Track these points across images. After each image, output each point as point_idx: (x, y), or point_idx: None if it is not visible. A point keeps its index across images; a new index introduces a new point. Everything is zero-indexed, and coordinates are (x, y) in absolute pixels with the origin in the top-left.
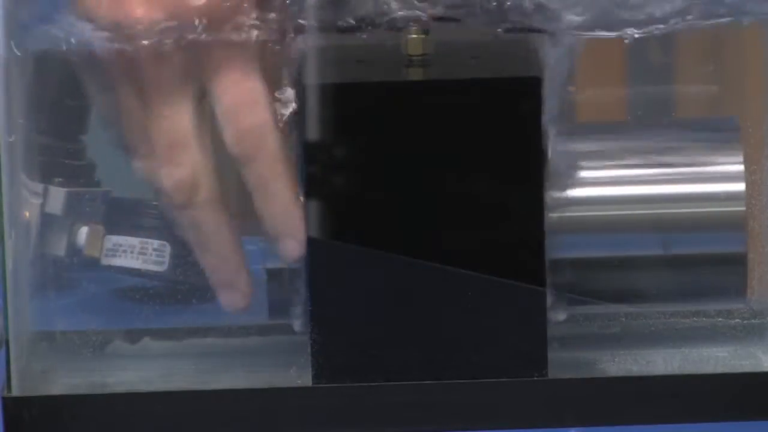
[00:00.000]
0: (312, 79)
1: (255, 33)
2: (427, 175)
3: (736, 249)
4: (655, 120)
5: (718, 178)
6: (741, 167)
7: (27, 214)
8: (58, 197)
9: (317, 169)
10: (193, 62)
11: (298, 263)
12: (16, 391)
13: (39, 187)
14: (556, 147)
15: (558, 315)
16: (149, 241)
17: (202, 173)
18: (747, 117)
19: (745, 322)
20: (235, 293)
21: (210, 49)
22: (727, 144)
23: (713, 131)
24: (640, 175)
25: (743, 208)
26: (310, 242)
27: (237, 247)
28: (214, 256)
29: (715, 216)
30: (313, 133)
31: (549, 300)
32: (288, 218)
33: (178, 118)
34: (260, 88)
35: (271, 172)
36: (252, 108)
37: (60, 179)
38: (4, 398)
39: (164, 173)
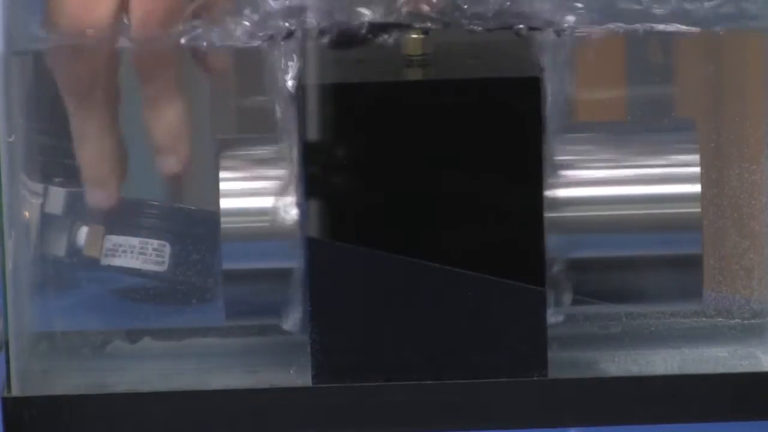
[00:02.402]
0: (312, 79)
1: None
2: (426, 175)
3: (692, 250)
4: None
5: (673, 179)
6: (697, 169)
7: (27, 214)
8: (58, 197)
9: (317, 169)
10: None
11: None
12: (16, 391)
13: (39, 187)
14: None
15: (555, 316)
16: (149, 241)
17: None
18: (747, 117)
19: (745, 322)
20: (98, 189)
21: None
22: (683, 145)
23: (670, 132)
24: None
25: (699, 210)
26: (310, 242)
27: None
28: (90, 149)
29: (671, 217)
30: (313, 133)
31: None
32: (174, 134)
33: None
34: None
35: (168, 89)
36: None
37: (60, 179)
38: (4, 398)
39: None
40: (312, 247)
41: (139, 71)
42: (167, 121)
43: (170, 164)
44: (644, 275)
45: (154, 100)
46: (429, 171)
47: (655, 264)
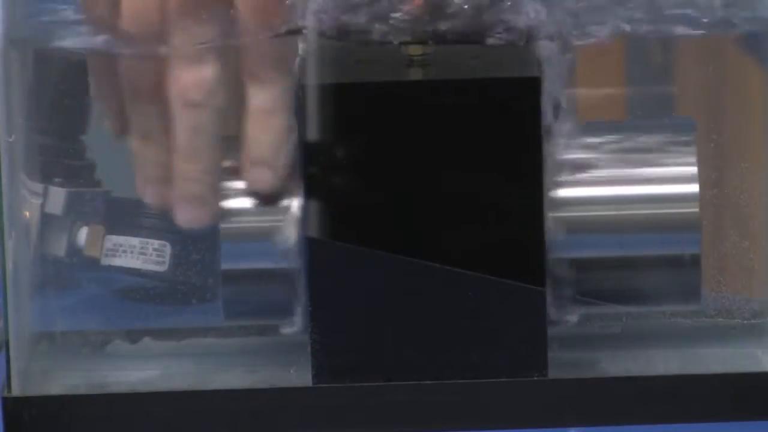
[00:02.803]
0: (312, 79)
1: None
2: (426, 175)
3: (691, 250)
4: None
5: (671, 179)
6: (694, 168)
7: (27, 214)
8: (58, 197)
9: (317, 169)
10: None
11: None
12: (16, 391)
13: (39, 187)
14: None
15: (569, 317)
16: (149, 241)
17: (222, 80)
18: (751, 119)
19: (745, 322)
20: (201, 209)
21: None
22: (682, 145)
23: (669, 132)
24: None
25: (697, 210)
26: (310, 242)
27: (219, 163)
28: (198, 164)
29: (669, 217)
30: (313, 133)
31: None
32: (277, 147)
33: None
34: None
35: (281, 98)
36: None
37: (60, 179)
38: (4, 398)
39: (185, 71)
40: (312, 247)
41: (251, 75)
42: (273, 132)
43: (266, 179)
44: (642, 275)
45: (263, 109)
46: (429, 171)
47: (654, 264)
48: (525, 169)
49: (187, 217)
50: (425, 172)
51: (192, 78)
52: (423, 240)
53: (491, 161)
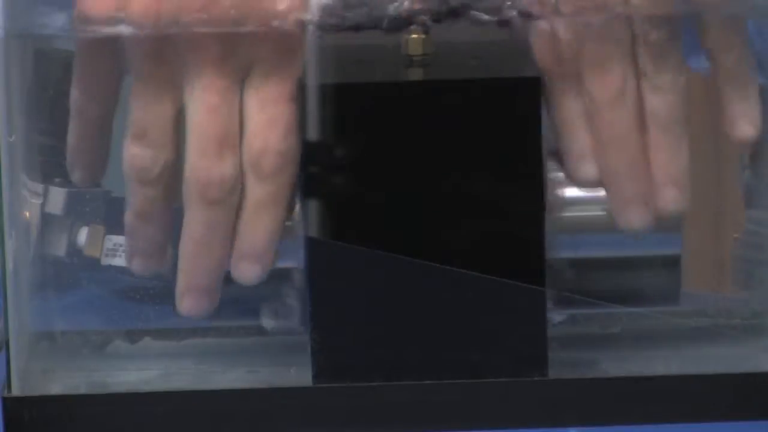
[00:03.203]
0: (312, 79)
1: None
2: (427, 176)
3: (671, 251)
4: None
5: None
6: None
7: (27, 214)
8: (58, 197)
9: (317, 169)
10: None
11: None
12: (16, 391)
13: (39, 187)
14: None
15: (556, 316)
16: None
17: (239, 175)
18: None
19: (745, 322)
20: (206, 299)
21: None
22: None
23: None
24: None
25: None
26: (310, 242)
27: (228, 257)
28: (209, 258)
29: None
30: (313, 133)
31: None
32: (267, 243)
33: (233, 112)
34: None
35: (277, 196)
36: None
37: (60, 179)
38: (4, 398)
39: (208, 167)
40: (312, 247)
41: (253, 167)
42: (268, 228)
43: (253, 275)
44: (624, 275)
45: (261, 203)
46: (429, 171)
47: (635, 264)
48: (525, 168)
49: (190, 307)
50: (425, 172)
51: (214, 175)
52: (423, 240)
53: (491, 161)
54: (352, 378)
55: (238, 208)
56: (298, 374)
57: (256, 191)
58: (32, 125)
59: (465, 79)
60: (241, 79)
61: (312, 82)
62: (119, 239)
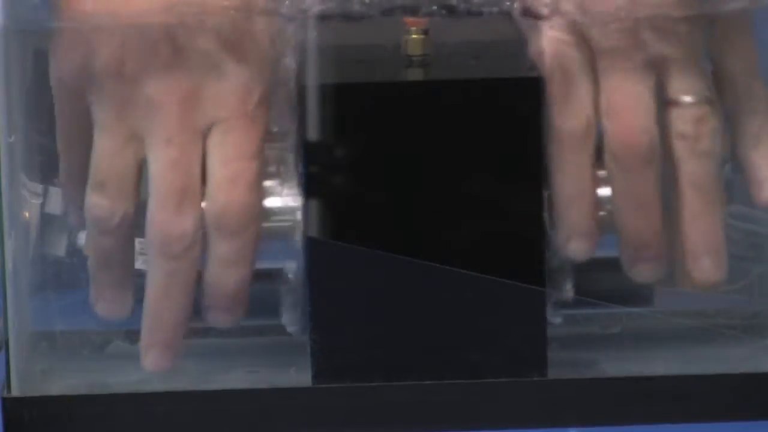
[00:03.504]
0: (312, 79)
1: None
2: (427, 176)
3: None
4: None
5: None
6: None
7: (27, 214)
8: (58, 197)
9: (317, 169)
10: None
11: None
12: (15, 392)
13: (39, 187)
14: None
15: (554, 317)
16: None
17: (199, 229)
18: None
19: (745, 322)
20: (167, 353)
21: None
22: None
23: None
24: None
25: None
26: (310, 242)
27: (191, 307)
28: (170, 311)
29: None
30: (313, 133)
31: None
32: (236, 295)
33: (194, 166)
34: None
35: (242, 253)
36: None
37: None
38: (3, 398)
39: (168, 221)
40: (312, 247)
41: (217, 226)
42: (236, 282)
43: (226, 322)
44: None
45: (227, 261)
46: (429, 171)
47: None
48: (525, 168)
49: (154, 363)
50: (425, 171)
51: (174, 229)
52: (423, 240)
53: (491, 161)
54: (352, 378)
55: (205, 261)
56: (298, 374)
57: (222, 248)
58: (32, 126)
59: (465, 79)
60: (203, 133)
61: (312, 82)
62: None
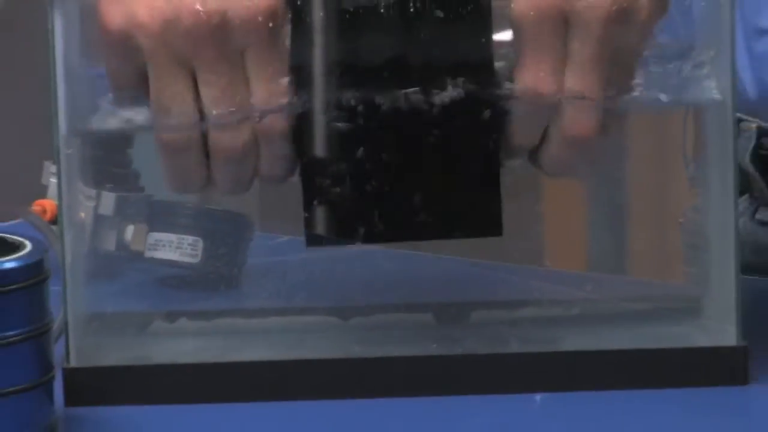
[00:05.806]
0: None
1: None
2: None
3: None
4: None
5: None
6: None
7: (82, 215)
8: (109, 200)
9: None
10: None
11: None
12: (73, 363)
13: (92, 192)
14: None
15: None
16: (185, 237)
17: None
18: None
19: (683, 305)
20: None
21: None
22: None
23: None
24: None
25: None
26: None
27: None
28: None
29: None
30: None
31: None
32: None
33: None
34: None
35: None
36: None
37: (110, 185)
38: (64, 368)
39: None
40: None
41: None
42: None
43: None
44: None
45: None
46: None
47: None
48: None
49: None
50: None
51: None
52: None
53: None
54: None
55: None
56: (312, 349)
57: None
58: (86, 140)
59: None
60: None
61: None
62: (160, 235)
